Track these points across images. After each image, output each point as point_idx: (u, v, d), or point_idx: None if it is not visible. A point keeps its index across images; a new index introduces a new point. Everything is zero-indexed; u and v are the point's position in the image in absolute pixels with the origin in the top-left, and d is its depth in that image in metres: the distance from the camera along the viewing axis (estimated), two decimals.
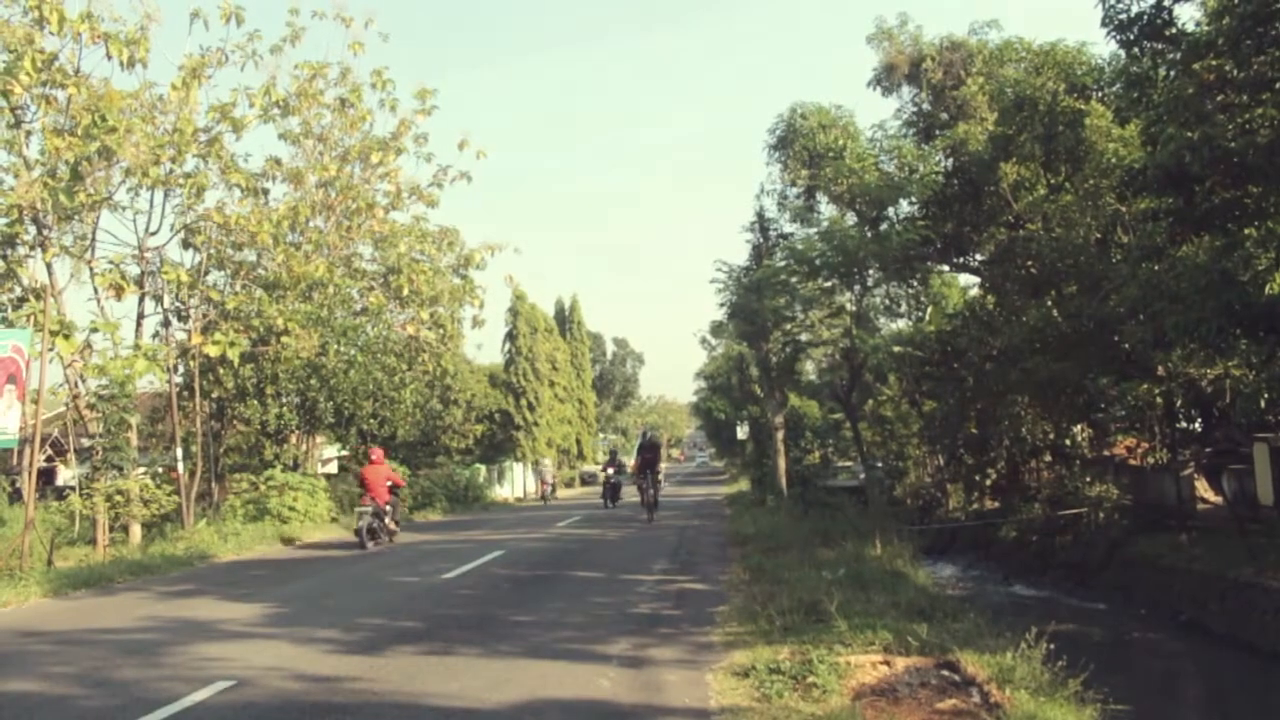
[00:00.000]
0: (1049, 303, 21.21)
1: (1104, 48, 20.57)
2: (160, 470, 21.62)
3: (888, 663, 8.00)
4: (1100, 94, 21.18)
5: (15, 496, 19.40)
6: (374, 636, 9.64)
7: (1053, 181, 22.23)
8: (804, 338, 30.10)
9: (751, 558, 15.55)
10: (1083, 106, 20.63)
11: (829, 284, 26.67)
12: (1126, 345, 18.40)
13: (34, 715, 6.95)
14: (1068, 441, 24.26)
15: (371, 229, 30.50)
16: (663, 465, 30.12)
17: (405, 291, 30.23)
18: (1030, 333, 20.92)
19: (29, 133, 20.53)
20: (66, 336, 20.15)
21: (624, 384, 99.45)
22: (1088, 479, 23.15)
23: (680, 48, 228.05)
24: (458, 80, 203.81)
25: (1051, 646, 7.85)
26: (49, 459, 19.73)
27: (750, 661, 8.03)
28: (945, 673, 7.73)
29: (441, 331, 33.17)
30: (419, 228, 32.05)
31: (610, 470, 33.60)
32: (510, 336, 45.34)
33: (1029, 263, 22.20)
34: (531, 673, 7.99)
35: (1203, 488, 22.14)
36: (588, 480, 55.76)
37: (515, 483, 45.74)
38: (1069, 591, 20.16)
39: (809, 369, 37.63)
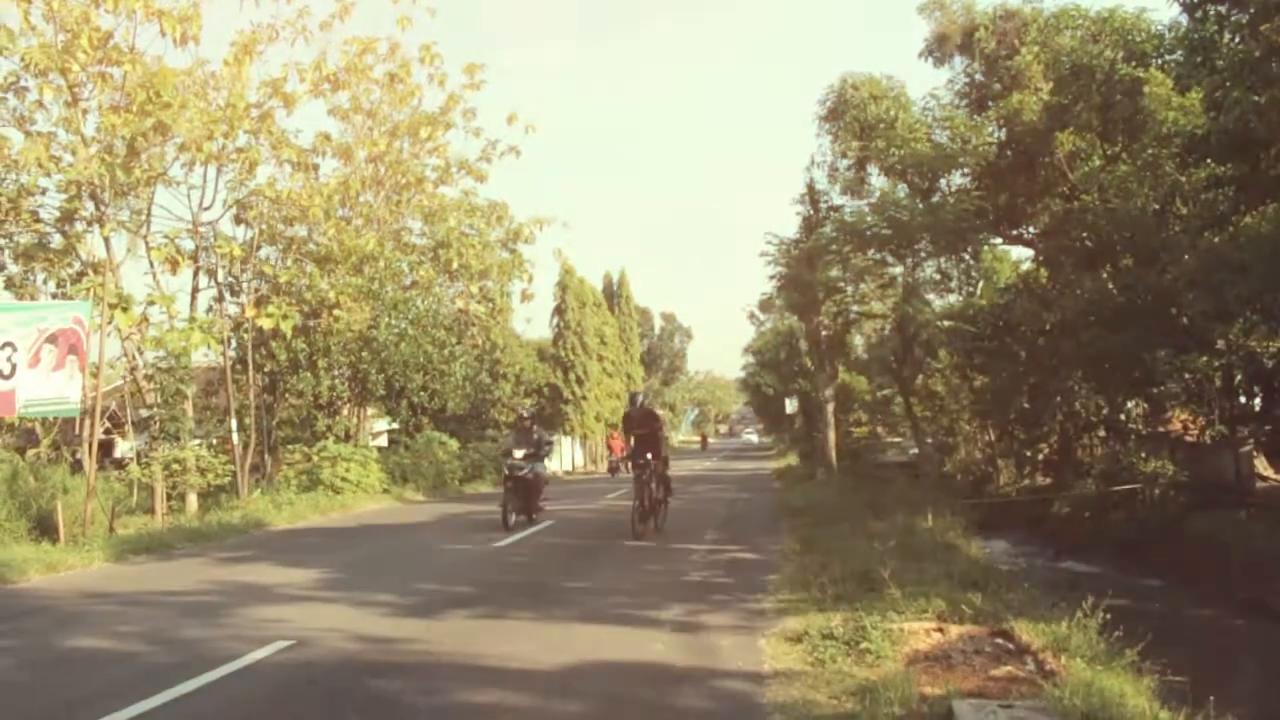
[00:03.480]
0: (1104, 275, 20.86)
1: (1164, 13, 20.18)
2: (215, 442, 21.98)
3: (941, 630, 7.96)
4: (1160, 61, 20.70)
5: (76, 467, 19.84)
6: (428, 601, 9.77)
7: (1109, 152, 21.81)
8: (855, 309, 29.90)
9: (802, 529, 15.55)
10: (1142, 74, 20.17)
11: (880, 255, 26.43)
12: (1185, 318, 18.06)
13: (103, 670, 7.13)
14: (1122, 416, 23.90)
15: (421, 203, 30.75)
16: (669, 446, 18.08)
17: (455, 265, 30.42)
18: (1085, 306, 20.59)
19: (85, 111, 20.83)
20: (125, 309, 20.49)
21: (672, 359, 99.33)
22: (1142, 455, 22.81)
23: (728, 22, 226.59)
24: (507, 55, 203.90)
25: (1107, 617, 7.75)
26: (107, 431, 20.11)
27: (803, 627, 8.04)
28: (999, 641, 7.68)
29: (491, 305, 33.37)
30: (468, 202, 32.20)
31: (516, 455, 17.04)
32: (559, 311, 45.39)
33: (1084, 235, 21.83)
34: (585, 636, 8.06)
35: (1262, 465, 21.72)
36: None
37: (564, 456, 46.00)
38: (1122, 568, 19.86)
39: (858, 344, 37.40)
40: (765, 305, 53.29)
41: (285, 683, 6.75)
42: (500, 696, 6.37)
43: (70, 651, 7.82)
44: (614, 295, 56.71)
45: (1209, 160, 15.93)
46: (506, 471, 17.21)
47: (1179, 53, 19.31)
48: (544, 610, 9.18)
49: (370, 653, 7.57)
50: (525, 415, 18.51)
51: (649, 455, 15.45)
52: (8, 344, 14.77)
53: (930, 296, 29.94)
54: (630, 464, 16.10)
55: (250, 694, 6.46)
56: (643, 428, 16.04)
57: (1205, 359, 18.37)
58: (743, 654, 7.44)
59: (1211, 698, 5.75)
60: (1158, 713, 5.77)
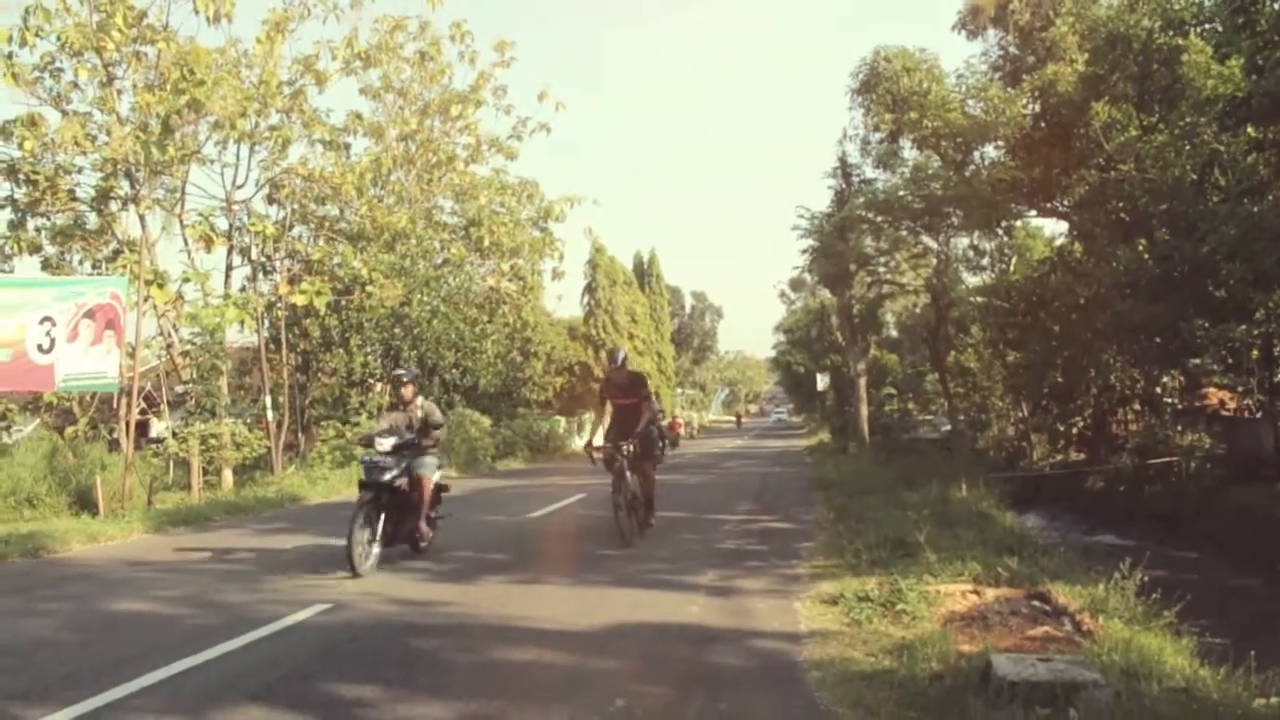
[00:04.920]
0: (1141, 247, 20.61)
1: None
2: (249, 420, 22.20)
3: (977, 592, 7.94)
4: (1199, 29, 20.36)
5: (113, 445, 20.13)
6: (464, 568, 9.84)
7: (1146, 121, 21.50)
8: (888, 281, 29.79)
9: (835, 499, 15.55)
10: (1180, 42, 19.86)
11: (913, 227, 26.27)
12: (1222, 289, 17.82)
13: (147, 631, 7.25)
14: (1158, 390, 23.67)
15: (452, 181, 30.85)
16: (663, 420, 13.41)
17: (486, 243, 30.50)
18: (1121, 277, 20.37)
19: (120, 90, 21.00)
20: (160, 286, 20.73)
21: (702, 338, 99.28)
22: (1179, 428, 22.57)
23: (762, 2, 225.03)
24: (536, 35, 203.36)
25: (1145, 579, 7.71)
26: (143, 412, 20.35)
27: (838, 591, 8.04)
28: (1036, 603, 7.65)
29: (522, 283, 33.44)
30: (499, 180, 32.29)
31: (383, 446, 9.96)
32: (590, 289, 45.40)
33: (1120, 206, 21.58)
34: (621, 600, 8.10)
35: None
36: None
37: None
38: (1159, 541, 19.67)
39: (889, 321, 37.27)
40: (796, 283, 53.08)
41: (326, 642, 6.84)
42: (538, 654, 6.43)
43: (115, 614, 7.95)
44: (644, 274, 56.64)
45: (1249, 125, 15.68)
46: (364, 475, 10.06)
47: (1217, 21, 18.99)
48: (580, 575, 9.23)
49: (408, 615, 7.65)
50: (405, 378, 11.07)
51: (629, 437, 11.14)
52: (47, 318, 14.98)
53: (963, 274, 29.79)
54: (592, 450, 11.62)
55: (292, 651, 6.55)
56: (627, 396, 11.67)
57: (1244, 328, 18.15)
58: (779, 615, 7.46)
59: (1252, 652, 5.71)
60: (1197, 669, 5.74)
